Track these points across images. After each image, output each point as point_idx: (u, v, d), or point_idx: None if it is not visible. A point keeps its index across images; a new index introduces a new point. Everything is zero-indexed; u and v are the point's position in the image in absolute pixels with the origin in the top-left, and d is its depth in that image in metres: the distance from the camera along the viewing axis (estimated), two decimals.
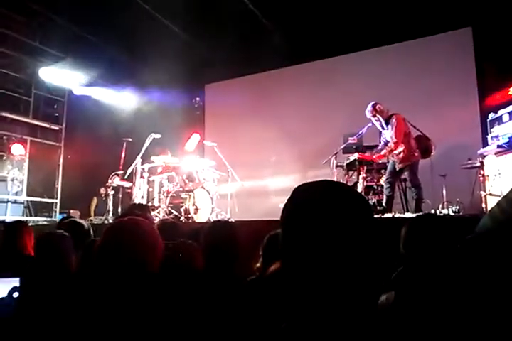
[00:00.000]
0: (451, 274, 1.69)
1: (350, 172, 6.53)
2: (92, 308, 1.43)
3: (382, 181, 6.15)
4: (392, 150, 5.78)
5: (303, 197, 0.89)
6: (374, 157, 6.05)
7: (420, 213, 4.85)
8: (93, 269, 1.56)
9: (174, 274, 1.86)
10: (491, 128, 6.09)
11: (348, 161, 6.41)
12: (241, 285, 2.05)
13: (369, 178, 6.32)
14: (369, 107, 5.93)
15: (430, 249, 1.91)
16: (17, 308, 2.05)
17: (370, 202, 6.11)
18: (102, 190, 8.53)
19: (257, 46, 7.82)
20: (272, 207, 7.90)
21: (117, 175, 7.15)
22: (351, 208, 0.85)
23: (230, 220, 6.11)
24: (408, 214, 5.42)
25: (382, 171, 6.31)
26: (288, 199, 0.91)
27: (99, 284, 1.49)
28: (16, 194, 8.74)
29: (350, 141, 6.46)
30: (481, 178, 5.81)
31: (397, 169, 5.79)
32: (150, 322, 1.40)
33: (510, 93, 6.55)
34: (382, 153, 5.93)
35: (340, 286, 0.81)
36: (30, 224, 4.75)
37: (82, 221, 3.50)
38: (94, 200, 8.90)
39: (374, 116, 5.89)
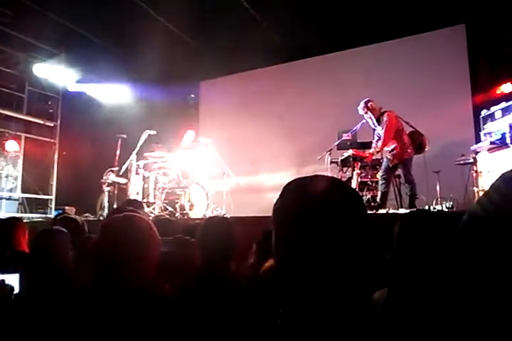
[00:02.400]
0: (443, 270, 1.71)
1: (345, 169, 6.56)
2: (89, 305, 1.43)
3: (378, 176, 6.19)
4: (379, 150, 5.87)
5: (293, 192, 0.88)
6: (367, 155, 6.11)
7: (414, 209, 4.89)
8: (90, 266, 1.57)
9: (172, 270, 1.88)
10: (483, 125, 6.13)
11: (343, 157, 6.44)
12: (237, 281, 2.07)
13: (363, 174, 6.35)
14: (361, 104, 5.99)
15: (423, 245, 1.92)
16: (16, 303, 2.07)
17: (364, 198, 6.16)
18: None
19: (251, 43, 7.80)
20: (267, 203, 7.87)
21: (112, 171, 7.14)
22: (343, 203, 0.84)
23: (225, 216, 6.13)
24: (402, 210, 5.46)
25: (377, 167, 6.35)
26: (279, 196, 0.90)
27: (96, 281, 1.49)
28: (11, 190, 8.71)
29: (344, 138, 6.50)
30: (474, 174, 5.85)
31: (391, 165, 5.84)
32: (148, 319, 1.41)
33: (497, 92, 6.61)
34: (371, 151, 6.00)
35: (334, 283, 0.81)
36: (25, 220, 4.76)
37: (76, 217, 3.51)
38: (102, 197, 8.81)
39: (366, 113, 5.94)
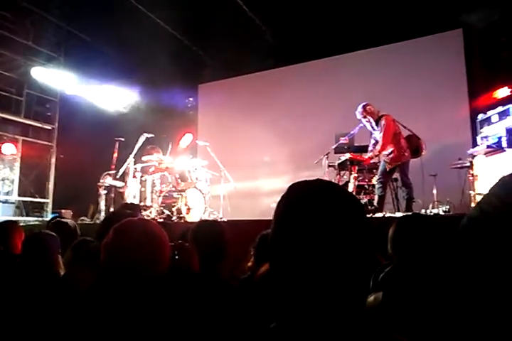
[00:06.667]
0: (439, 274, 1.72)
1: (342, 172, 6.56)
2: (93, 310, 1.42)
3: (374, 181, 6.19)
4: (378, 154, 5.85)
5: (297, 195, 0.88)
6: (364, 158, 6.10)
7: (409, 213, 4.89)
8: (88, 268, 1.56)
9: (174, 276, 1.88)
10: (480, 129, 6.13)
11: (340, 161, 6.43)
12: (231, 284, 2.07)
13: (360, 178, 6.35)
14: (359, 108, 5.96)
15: (417, 249, 1.92)
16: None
17: (361, 201, 6.16)
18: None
19: (250, 47, 7.84)
20: (264, 207, 7.94)
21: (109, 174, 7.12)
22: (344, 208, 0.85)
23: (217, 219, 6.12)
24: (399, 214, 5.46)
25: (374, 171, 6.35)
26: (282, 197, 0.90)
27: (106, 284, 1.48)
28: (7, 194, 8.69)
29: (341, 141, 6.50)
30: (471, 178, 5.86)
31: (388, 169, 5.84)
32: (152, 321, 1.41)
33: (494, 96, 6.63)
34: (369, 155, 5.97)
35: (329, 286, 0.81)
36: (21, 224, 4.74)
37: (68, 220, 3.51)
38: (92, 208, 8.76)
39: (364, 117, 5.93)
